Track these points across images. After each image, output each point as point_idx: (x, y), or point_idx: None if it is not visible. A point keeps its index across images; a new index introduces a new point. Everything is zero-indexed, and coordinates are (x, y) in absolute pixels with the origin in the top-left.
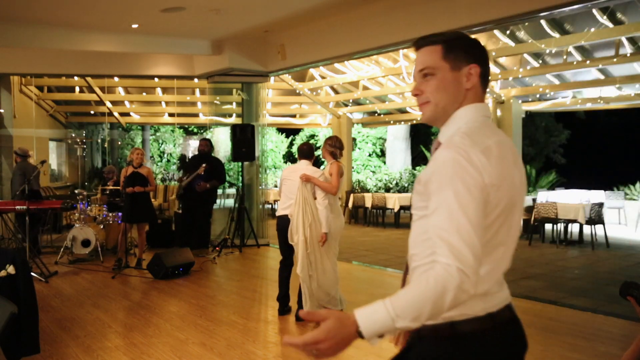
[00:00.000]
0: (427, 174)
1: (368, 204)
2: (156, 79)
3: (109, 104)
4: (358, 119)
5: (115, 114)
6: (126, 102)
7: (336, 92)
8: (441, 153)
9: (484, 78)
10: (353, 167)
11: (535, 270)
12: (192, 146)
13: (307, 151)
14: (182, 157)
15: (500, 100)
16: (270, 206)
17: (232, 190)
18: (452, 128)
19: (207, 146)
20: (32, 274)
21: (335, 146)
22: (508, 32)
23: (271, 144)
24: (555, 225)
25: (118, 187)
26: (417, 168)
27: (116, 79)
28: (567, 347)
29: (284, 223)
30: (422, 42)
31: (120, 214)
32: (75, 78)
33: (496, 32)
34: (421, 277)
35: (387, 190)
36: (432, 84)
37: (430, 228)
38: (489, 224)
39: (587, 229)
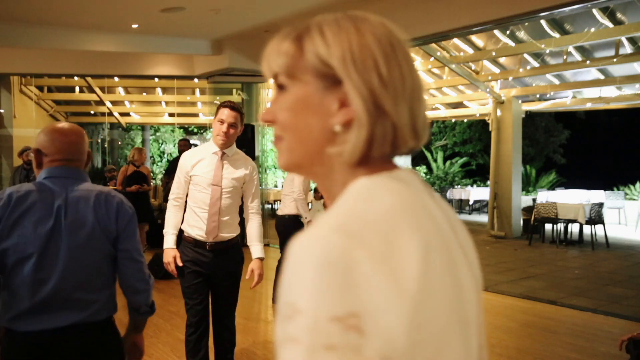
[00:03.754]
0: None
1: None
2: (156, 79)
3: (109, 104)
4: None
5: (115, 114)
6: (126, 102)
7: None
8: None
9: None
10: None
11: (535, 270)
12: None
13: None
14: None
15: (500, 100)
16: (270, 206)
17: None
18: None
19: (186, 146)
20: None
21: None
22: (508, 32)
23: (271, 144)
24: (555, 225)
25: (116, 187)
26: (417, 168)
27: (116, 79)
28: (567, 347)
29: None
30: (235, 108)
31: None
32: (75, 78)
33: (496, 32)
34: (254, 221)
35: None
36: (235, 131)
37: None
38: None
39: (587, 229)
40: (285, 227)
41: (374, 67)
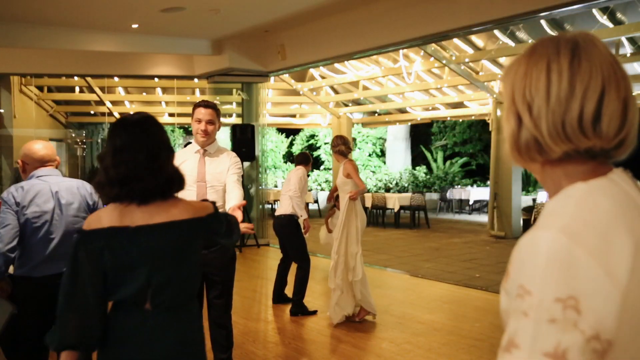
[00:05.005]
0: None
1: (368, 204)
2: (156, 79)
3: (109, 104)
4: (358, 119)
5: (116, 114)
6: (126, 102)
7: (336, 92)
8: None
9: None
10: None
11: None
12: None
13: (301, 158)
14: None
15: (500, 100)
16: (270, 206)
17: None
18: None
19: None
20: None
21: (338, 144)
22: (508, 32)
23: (271, 144)
24: None
25: None
26: (417, 168)
27: (116, 79)
28: None
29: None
30: (209, 105)
31: None
32: (75, 78)
33: (496, 32)
34: (234, 190)
35: (387, 190)
36: (214, 127)
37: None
38: None
39: None
40: (282, 227)
41: (526, 92)
